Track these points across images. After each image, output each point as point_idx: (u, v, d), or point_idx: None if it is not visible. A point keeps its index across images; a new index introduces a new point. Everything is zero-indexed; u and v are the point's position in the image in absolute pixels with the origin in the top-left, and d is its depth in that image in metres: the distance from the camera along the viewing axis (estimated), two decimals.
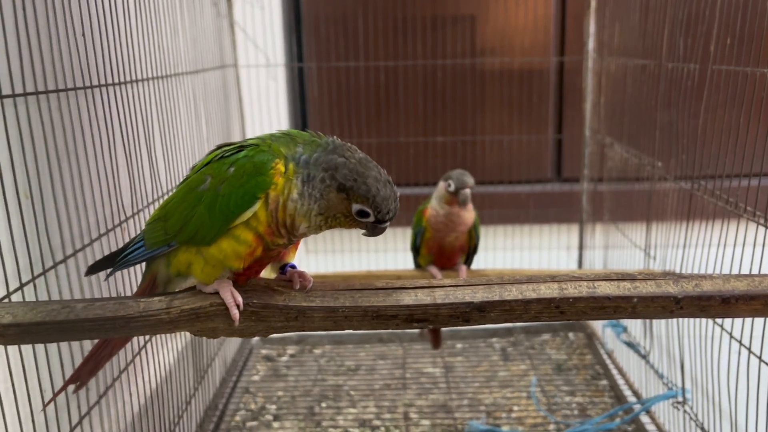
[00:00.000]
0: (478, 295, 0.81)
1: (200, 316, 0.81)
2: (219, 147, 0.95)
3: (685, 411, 1.68)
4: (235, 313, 0.82)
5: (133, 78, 1.49)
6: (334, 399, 2.16)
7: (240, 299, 0.83)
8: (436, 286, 0.83)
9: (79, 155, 1.25)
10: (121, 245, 1.40)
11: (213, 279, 0.87)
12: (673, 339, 1.72)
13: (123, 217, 1.42)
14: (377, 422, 2.03)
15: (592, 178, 2.46)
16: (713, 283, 0.84)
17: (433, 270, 1.83)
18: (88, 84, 1.29)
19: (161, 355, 1.64)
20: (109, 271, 1.02)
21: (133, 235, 1.47)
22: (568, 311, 0.81)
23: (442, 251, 1.83)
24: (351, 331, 2.63)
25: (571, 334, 2.54)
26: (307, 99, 3.25)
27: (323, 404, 2.13)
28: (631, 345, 2.03)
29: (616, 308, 0.81)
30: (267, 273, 0.94)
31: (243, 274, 0.88)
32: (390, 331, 2.54)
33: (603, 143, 2.31)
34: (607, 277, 0.84)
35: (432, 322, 0.81)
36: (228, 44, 2.36)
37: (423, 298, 0.81)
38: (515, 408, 2.08)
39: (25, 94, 1.09)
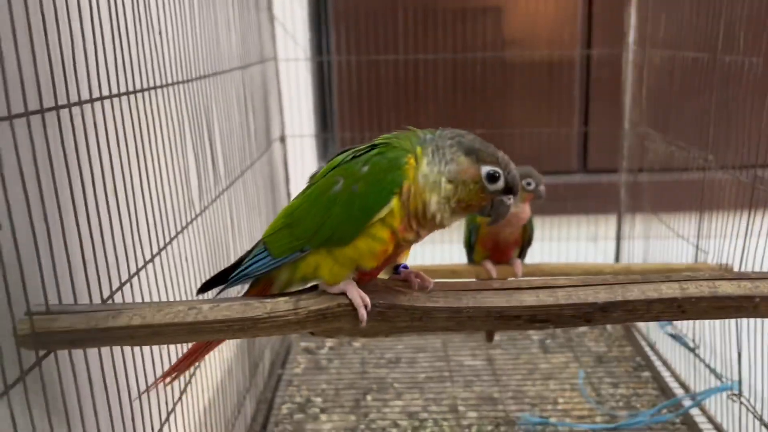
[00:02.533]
0: (601, 295, 0.81)
1: (327, 317, 0.82)
2: (343, 152, 0.96)
3: (741, 403, 1.69)
4: (363, 314, 0.82)
5: (196, 75, 1.49)
6: (379, 391, 2.17)
7: (367, 299, 0.84)
8: (556, 286, 0.84)
9: (155, 153, 1.25)
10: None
11: (341, 279, 0.87)
12: (729, 330, 1.72)
13: (193, 215, 1.42)
14: (424, 414, 2.05)
15: (630, 170, 2.46)
16: None
17: (488, 265, 1.84)
18: (159, 83, 1.29)
19: (224, 349, 1.65)
20: (222, 287, 1.01)
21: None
22: (690, 311, 0.81)
23: (497, 246, 1.84)
24: None
25: (608, 326, 2.55)
26: (333, 92, 3.25)
27: (368, 396, 2.15)
28: (677, 337, 2.04)
29: (738, 308, 0.81)
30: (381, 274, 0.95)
31: (367, 274, 0.89)
32: None
33: (644, 135, 2.32)
34: (722, 276, 0.85)
35: (554, 323, 0.82)
36: (268, 38, 2.35)
37: (545, 298, 0.82)
38: (560, 400, 2.09)
39: (109, 97, 1.08)
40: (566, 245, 3.02)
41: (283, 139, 2.51)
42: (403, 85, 3.07)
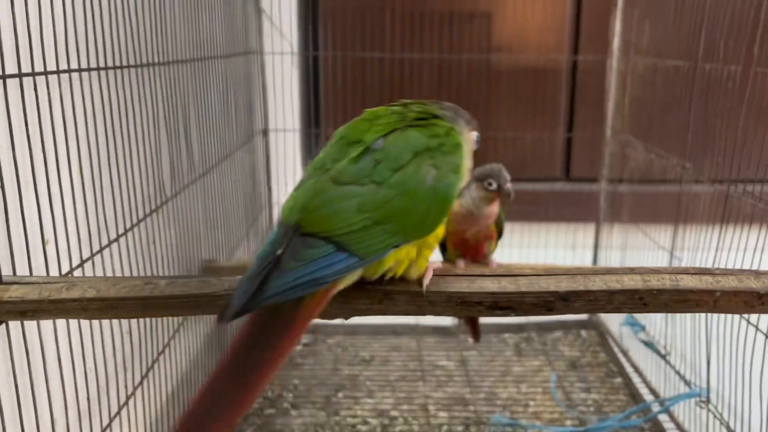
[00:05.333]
0: (563, 284, 0.81)
1: None
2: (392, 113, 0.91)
3: (708, 410, 1.69)
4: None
5: (173, 59, 1.48)
6: (351, 389, 2.16)
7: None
8: (519, 274, 0.83)
9: (126, 133, 1.23)
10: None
11: (424, 268, 0.87)
12: (699, 338, 1.73)
13: (164, 199, 1.40)
14: (395, 413, 2.03)
15: (611, 179, 2.47)
16: None
17: (461, 263, 1.83)
18: (132, 63, 1.27)
19: (192, 338, 1.63)
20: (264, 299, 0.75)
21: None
22: (651, 303, 0.81)
23: (466, 243, 1.82)
24: (362, 321, 2.58)
25: (583, 332, 2.56)
26: (320, 87, 3.24)
27: (340, 394, 2.13)
28: (649, 344, 2.05)
29: (698, 302, 0.81)
30: None
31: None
32: (404, 323, 2.54)
33: (625, 143, 2.32)
34: (685, 271, 0.84)
35: (515, 311, 0.81)
36: (253, 30, 2.34)
37: (507, 285, 0.81)
38: (531, 403, 2.09)
39: (78, 70, 1.07)
40: (544, 252, 3.02)
41: (265, 132, 2.49)
42: (389, 84, 3.06)
